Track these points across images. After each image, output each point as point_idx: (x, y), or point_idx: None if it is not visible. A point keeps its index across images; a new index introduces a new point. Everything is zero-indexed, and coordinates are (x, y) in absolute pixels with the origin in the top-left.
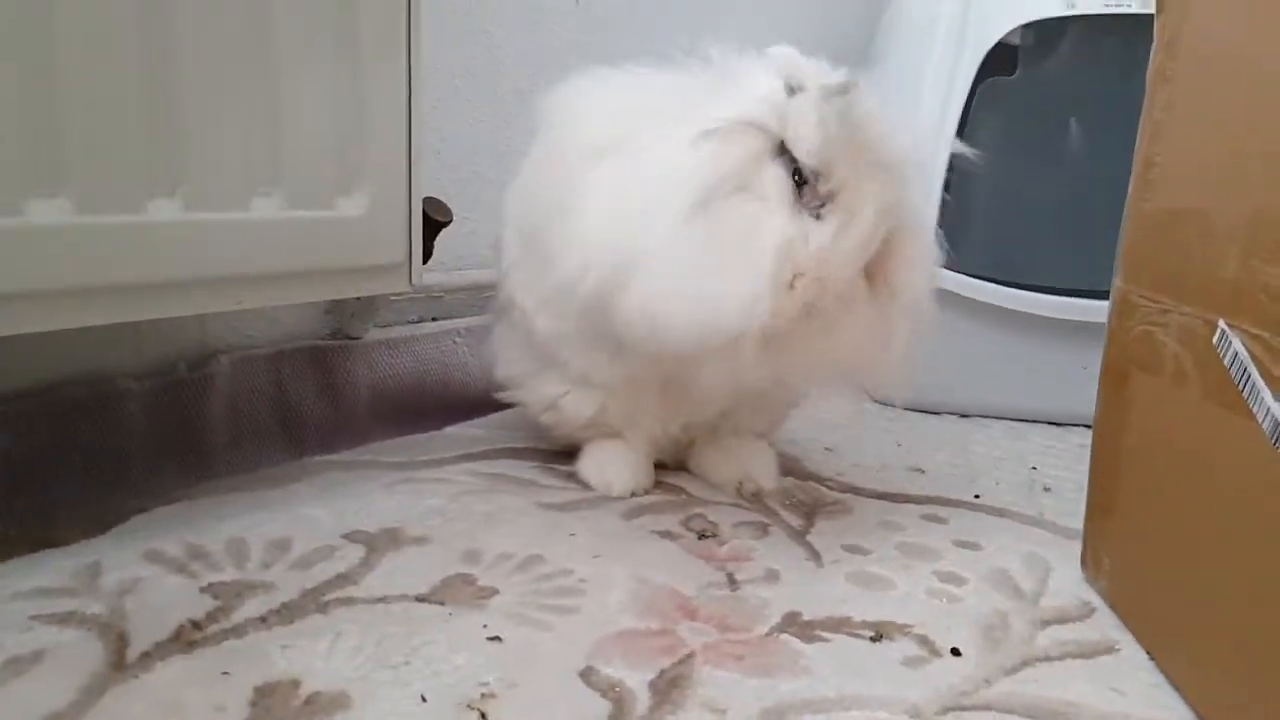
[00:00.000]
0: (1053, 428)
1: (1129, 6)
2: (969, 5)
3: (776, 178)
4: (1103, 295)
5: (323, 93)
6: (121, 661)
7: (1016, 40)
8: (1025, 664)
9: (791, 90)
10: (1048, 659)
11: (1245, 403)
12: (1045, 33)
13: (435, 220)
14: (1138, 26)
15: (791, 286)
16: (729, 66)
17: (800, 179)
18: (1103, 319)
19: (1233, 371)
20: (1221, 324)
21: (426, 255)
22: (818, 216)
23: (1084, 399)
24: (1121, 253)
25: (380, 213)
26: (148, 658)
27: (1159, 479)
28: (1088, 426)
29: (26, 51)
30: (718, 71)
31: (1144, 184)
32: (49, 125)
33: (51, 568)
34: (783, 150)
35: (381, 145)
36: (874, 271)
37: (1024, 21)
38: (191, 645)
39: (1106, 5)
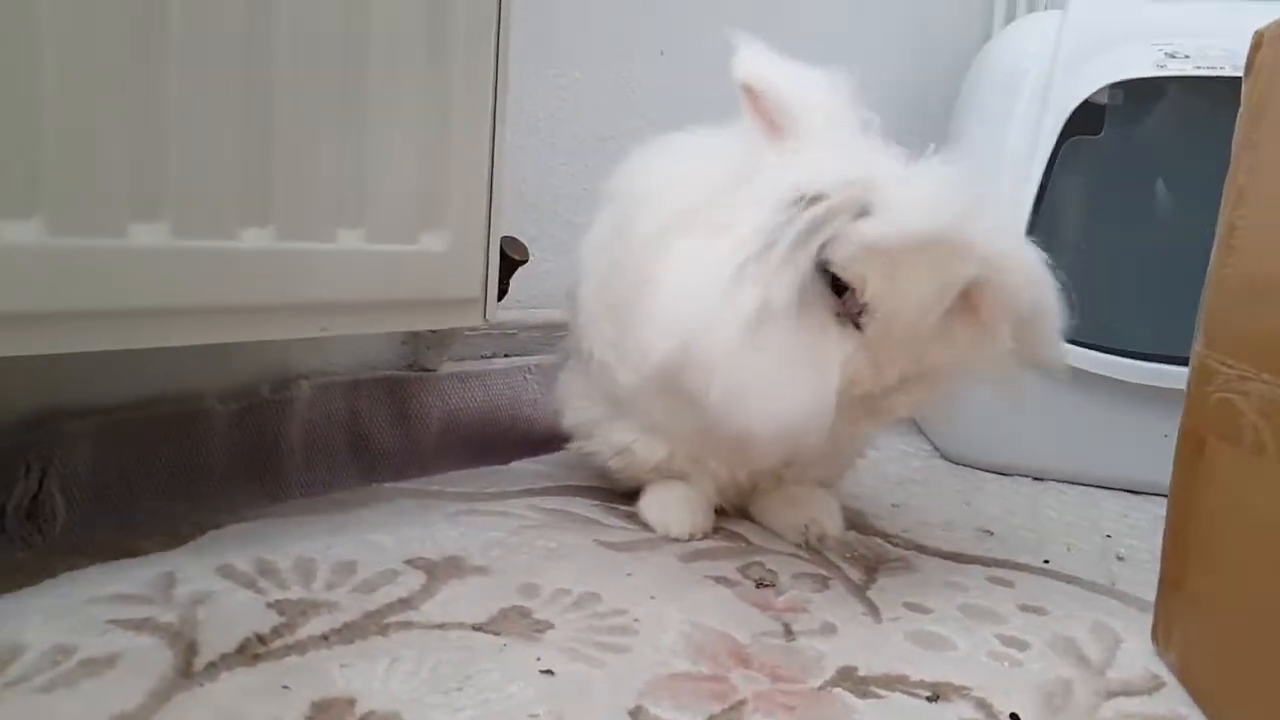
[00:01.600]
0: (1130, 496)
1: (1221, 70)
2: (1056, 62)
3: (820, 293)
4: (1185, 361)
5: (410, 131)
6: (189, 669)
7: (1104, 99)
8: None
9: (807, 201)
10: None
11: None
12: (1134, 93)
13: (512, 259)
14: (1228, 90)
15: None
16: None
17: (836, 285)
18: (1184, 385)
19: None
20: None
21: (502, 292)
22: (858, 326)
23: (1163, 467)
24: (1202, 318)
25: (460, 249)
26: (214, 667)
27: (1234, 551)
28: (1166, 496)
29: (136, 86)
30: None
31: (1226, 249)
32: (152, 155)
33: (129, 576)
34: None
35: (464, 184)
36: (967, 317)
37: (1113, 81)
38: (256, 658)
39: (1197, 67)
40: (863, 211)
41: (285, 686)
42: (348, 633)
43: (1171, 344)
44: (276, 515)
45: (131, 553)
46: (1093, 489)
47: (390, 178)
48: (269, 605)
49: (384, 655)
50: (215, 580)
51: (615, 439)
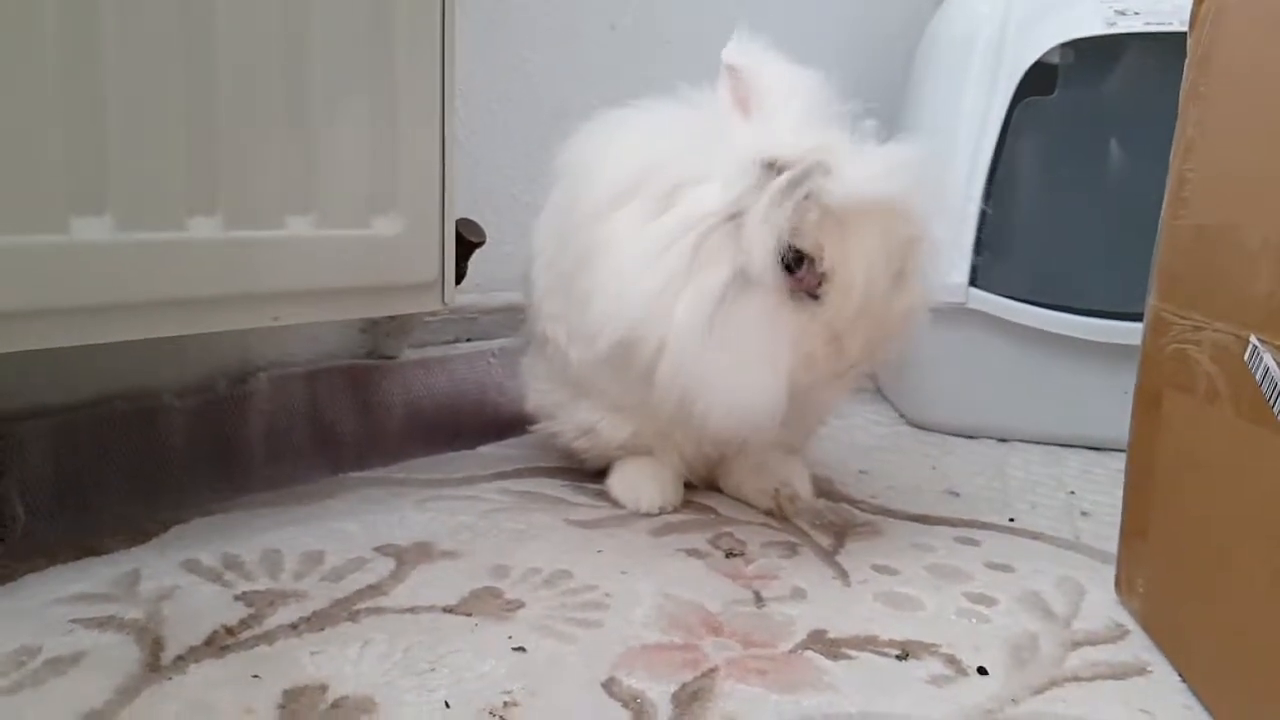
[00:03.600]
0: (1091, 452)
1: (1170, 25)
2: (1007, 23)
3: (772, 272)
4: (1142, 317)
5: (357, 116)
6: (157, 663)
7: (1056, 59)
8: (1054, 684)
9: (772, 169)
10: (1077, 679)
11: (1277, 419)
12: (1085, 52)
13: (469, 241)
14: (1178, 45)
15: (810, 367)
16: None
17: (796, 258)
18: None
19: (1264, 388)
20: (1253, 340)
21: (460, 276)
22: (816, 297)
23: (1123, 423)
24: (1155, 271)
25: (414, 232)
26: (181, 661)
27: (1192, 499)
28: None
29: (73, 76)
30: (717, 114)
31: (1177, 201)
32: (94, 146)
33: (93, 574)
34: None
35: (415, 166)
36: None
37: (1063, 40)
38: (224, 650)
39: (1147, 24)
40: (825, 175)
41: (255, 676)
42: (317, 620)
43: (1129, 301)
44: (241, 509)
45: (94, 551)
46: (1056, 447)
47: (338, 162)
48: (236, 598)
49: (355, 640)
50: (180, 575)
51: (579, 419)
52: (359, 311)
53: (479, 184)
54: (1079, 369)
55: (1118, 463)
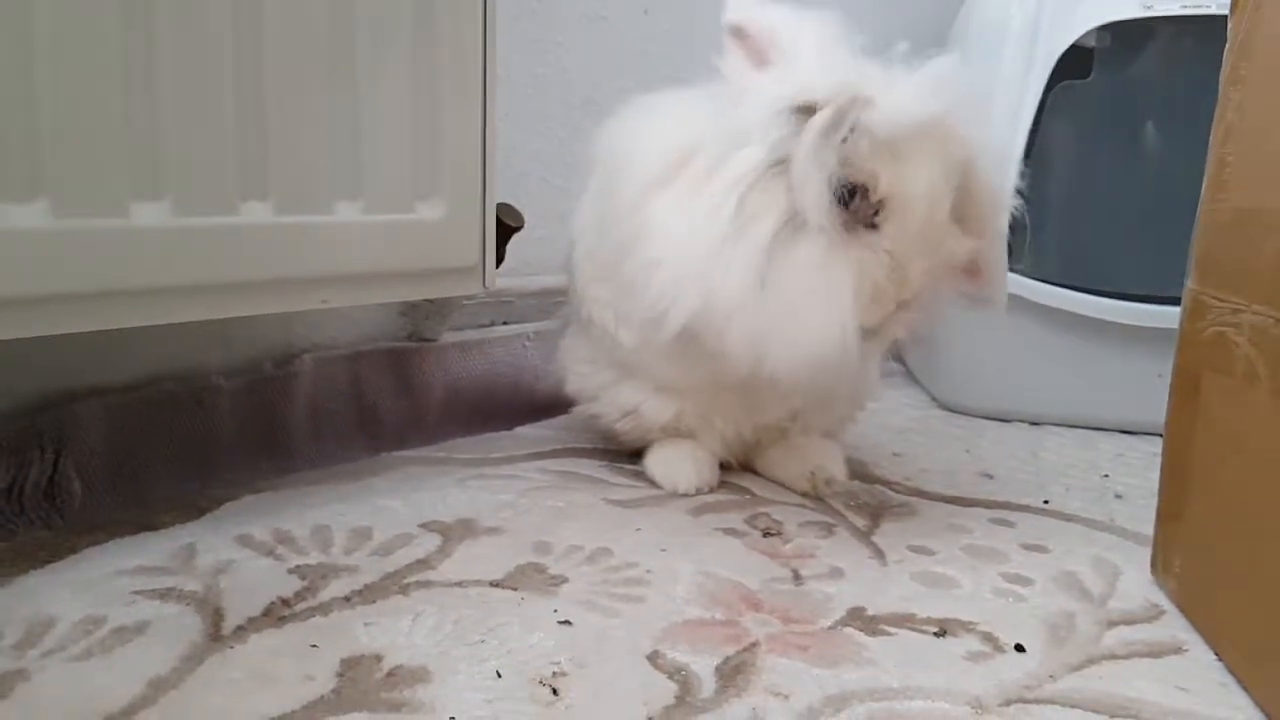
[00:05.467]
0: (1125, 436)
1: (1207, 8)
2: (1042, 7)
3: (829, 211)
4: (1177, 301)
5: (401, 103)
6: (218, 633)
7: (1092, 43)
8: (1090, 661)
9: (805, 111)
10: (1114, 657)
11: None
12: (1121, 35)
13: (508, 225)
14: (1215, 27)
15: (876, 299)
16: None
17: (849, 191)
18: (1177, 325)
19: None
20: None
21: (499, 259)
22: (873, 225)
23: (1157, 407)
24: (1194, 254)
25: (456, 217)
26: (242, 631)
27: (1229, 481)
28: (1161, 435)
29: (129, 65)
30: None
31: (1216, 184)
32: (150, 133)
33: (150, 548)
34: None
35: (457, 153)
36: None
37: (1099, 24)
38: (282, 620)
39: (1184, 6)
40: (866, 107)
41: (314, 645)
42: (369, 593)
43: (1164, 285)
44: (288, 486)
45: (150, 527)
46: (1089, 431)
47: (384, 148)
48: (290, 571)
49: (406, 613)
50: (235, 549)
51: (622, 400)
52: (403, 294)
53: (513, 169)
54: (1112, 353)
55: (1151, 446)
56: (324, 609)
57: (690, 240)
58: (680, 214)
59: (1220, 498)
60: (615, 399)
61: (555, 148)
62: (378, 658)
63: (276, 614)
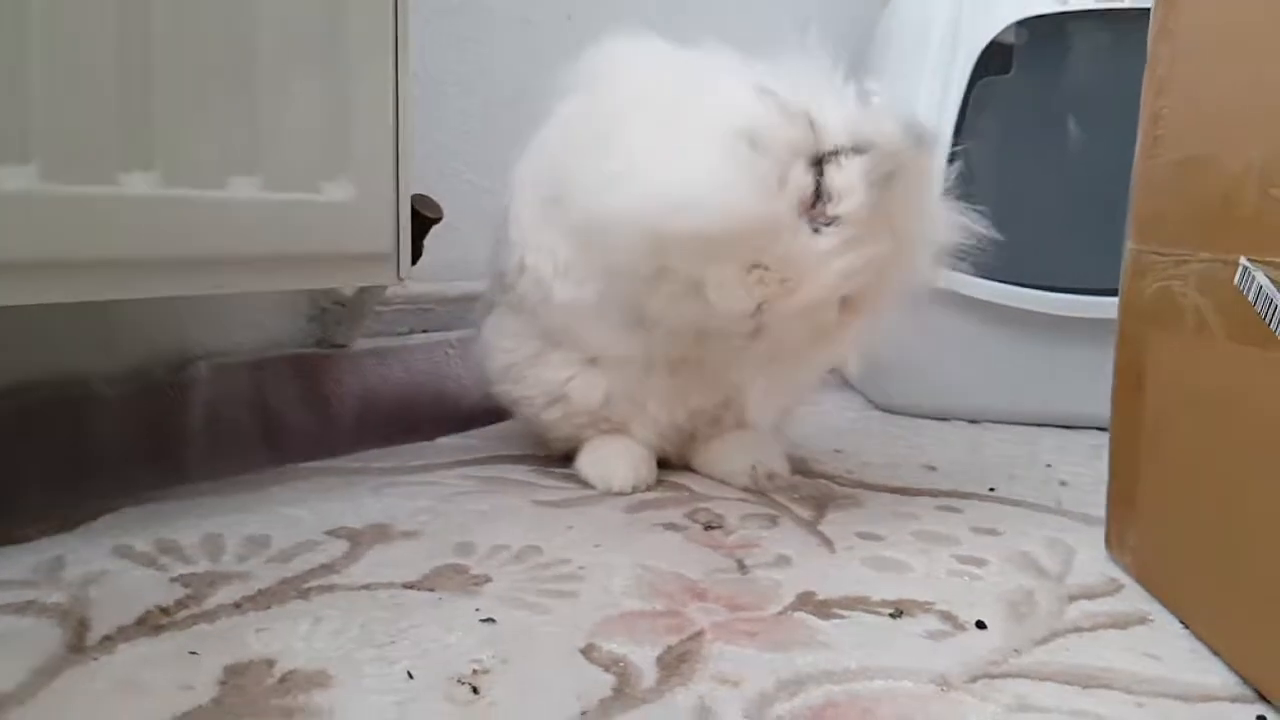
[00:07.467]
0: (1065, 431)
1: (1121, 1)
2: (962, 5)
3: (802, 183)
4: (1107, 292)
5: (306, 71)
6: (80, 644)
7: (1011, 39)
8: (1055, 635)
9: (856, 150)
10: (1078, 630)
11: (1275, 335)
12: (1039, 30)
13: (425, 216)
14: (1129, 20)
15: (753, 277)
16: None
17: (819, 192)
18: (1109, 315)
19: (1258, 306)
20: (1243, 261)
21: (417, 255)
22: (816, 230)
23: (1094, 399)
24: (1132, 214)
25: (366, 199)
26: (109, 641)
27: (1187, 439)
28: (1101, 429)
29: None
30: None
31: (1151, 140)
32: (15, 88)
33: (12, 562)
34: (816, 162)
35: (368, 131)
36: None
37: (1016, 19)
38: (158, 629)
39: (1098, 1)
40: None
41: (193, 653)
42: (263, 599)
43: (1089, 276)
44: (178, 497)
45: (13, 540)
46: (1028, 427)
47: (287, 121)
48: (172, 580)
49: (305, 617)
50: (110, 560)
51: (549, 377)
52: (309, 282)
53: (435, 167)
54: (1046, 347)
55: (1092, 439)
56: (209, 616)
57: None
58: (671, 118)
59: (1177, 460)
60: (541, 374)
61: (478, 148)
62: (269, 663)
63: (152, 622)
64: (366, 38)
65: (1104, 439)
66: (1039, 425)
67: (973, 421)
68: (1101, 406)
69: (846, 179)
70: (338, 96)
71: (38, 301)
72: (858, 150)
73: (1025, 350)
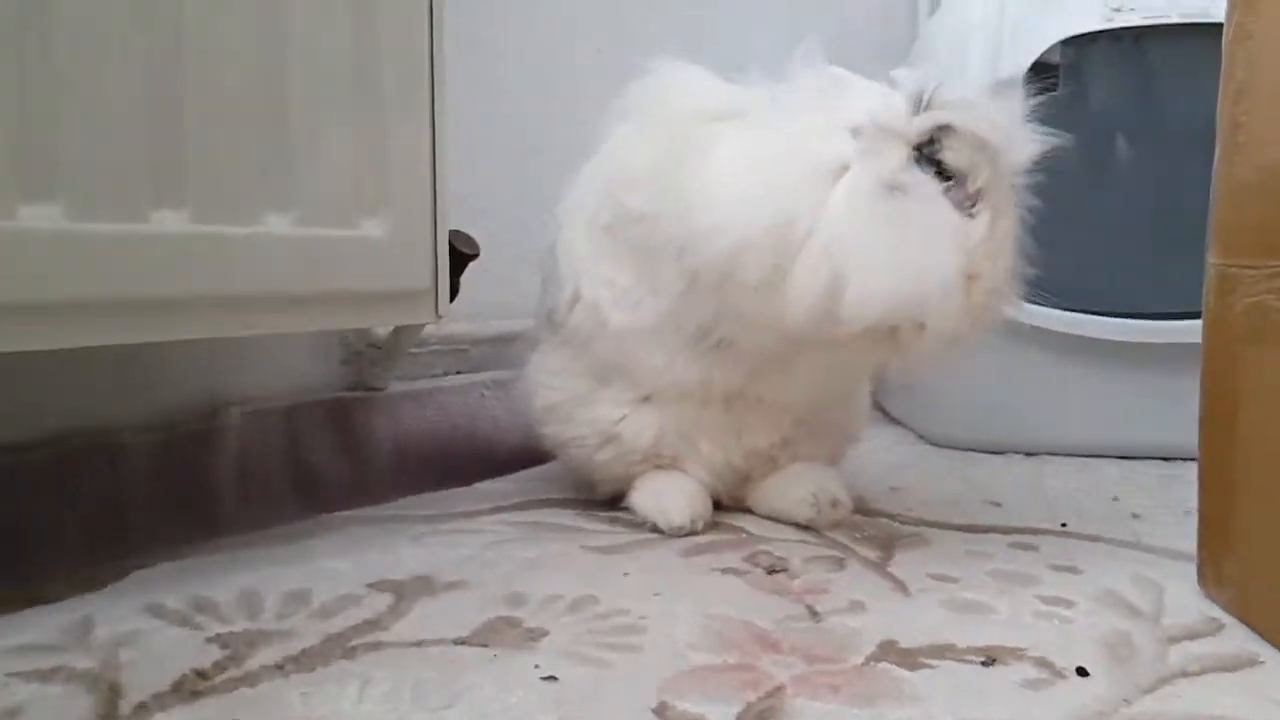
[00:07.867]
0: (1125, 461)
1: (1167, 18)
2: (1003, 27)
3: (927, 181)
4: (1166, 316)
5: (342, 107)
6: (113, 714)
7: (1056, 58)
8: (1164, 681)
9: (917, 107)
10: (1186, 675)
11: None
12: (1084, 48)
13: (462, 253)
14: (1176, 37)
15: (968, 290)
16: (834, 77)
17: (944, 179)
18: (1168, 340)
19: None
20: None
21: (453, 292)
22: (970, 215)
23: (1159, 427)
24: (1213, 227)
25: (404, 235)
26: (144, 709)
27: None
28: (1164, 459)
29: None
30: (822, 82)
31: (1232, 148)
32: (41, 126)
33: (37, 624)
34: (920, 156)
35: (405, 165)
36: None
37: (1061, 38)
38: (196, 695)
39: (1144, 18)
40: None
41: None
42: (307, 659)
43: (1148, 301)
44: (212, 552)
45: (40, 600)
46: (1088, 459)
47: (323, 157)
48: (209, 640)
49: (353, 678)
50: (142, 620)
51: (600, 415)
52: (345, 322)
53: (471, 207)
54: (1102, 375)
55: (1157, 469)
56: (250, 679)
57: (769, 174)
58: (756, 152)
59: (1276, 484)
60: (592, 414)
61: (516, 189)
62: None
63: (189, 688)
64: (403, 72)
65: (1170, 468)
66: (1097, 456)
67: (1029, 454)
68: (1166, 434)
69: (960, 156)
70: (374, 130)
71: (64, 346)
72: (946, 129)
73: (1082, 378)
